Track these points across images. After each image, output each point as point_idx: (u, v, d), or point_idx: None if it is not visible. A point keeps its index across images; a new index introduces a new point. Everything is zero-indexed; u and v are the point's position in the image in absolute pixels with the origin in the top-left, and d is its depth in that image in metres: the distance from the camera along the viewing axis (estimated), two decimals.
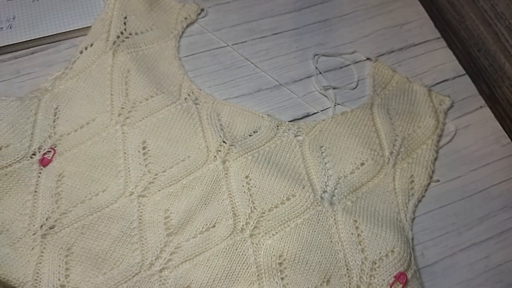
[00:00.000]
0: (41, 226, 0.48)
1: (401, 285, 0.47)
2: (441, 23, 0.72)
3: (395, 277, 0.47)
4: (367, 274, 0.48)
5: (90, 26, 0.60)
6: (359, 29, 0.66)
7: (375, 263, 0.48)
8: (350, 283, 0.47)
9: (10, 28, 0.60)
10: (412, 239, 0.51)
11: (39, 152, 0.51)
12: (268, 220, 0.50)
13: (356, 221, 0.50)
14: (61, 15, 0.62)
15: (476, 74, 0.68)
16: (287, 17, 0.67)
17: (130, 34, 0.60)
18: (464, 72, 0.64)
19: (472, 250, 0.52)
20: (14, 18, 0.61)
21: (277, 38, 0.65)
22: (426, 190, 0.55)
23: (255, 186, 0.51)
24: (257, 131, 0.56)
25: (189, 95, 0.57)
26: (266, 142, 0.55)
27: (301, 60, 0.63)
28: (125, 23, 0.60)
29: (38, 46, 0.60)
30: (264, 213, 0.50)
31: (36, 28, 0.60)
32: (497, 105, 0.66)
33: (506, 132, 0.60)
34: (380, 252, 0.48)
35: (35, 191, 0.50)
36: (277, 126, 0.56)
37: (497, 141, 0.59)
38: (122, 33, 0.60)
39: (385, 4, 0.69)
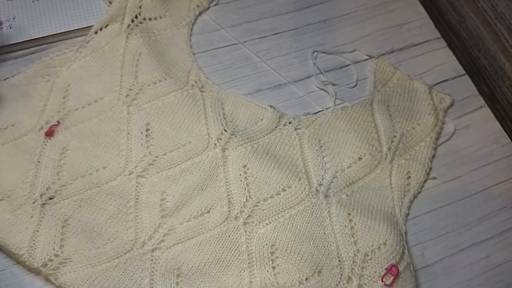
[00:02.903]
0: (41, 195, 0.49)
1: (392, 277, 0.47)
2: (441, 23, 0.72)
3: (386, 269, 0.47)
4: (359, 266, 0.48)
5: (90, 26, 0.60)
6: (359, 29, 0.66)
7: (367, 255, 0.48)
8: (341, 275, 0.48)
9: (10, 28, 0.60)
10: (406, 234, 0.52)
11: (46, 125, 0.53)
12: (263, 210, 0.50)
13: (350, 214, 0.51)
14: (61, 15, 0.62)
15: (476, 74, 0.68)
16: (287, 17, 0.67)
17: (144, 19, 0.62)
18: (464, 72, 0.64)
19: (472, 250, 0.52)
20: (14, 18, 0.61)
21: (277, 38, 0.65)
22: (422, 186, 0.55)
23: (252, 176, 0.52)
24: (258, 122, 0.56)
25: (196, 82, 0.58)
26: (267, 134, 0.55)
27: (301, 60, 0.63)
28: (140, 7, 0.62)
29: (38, 46, 0.60)
30: (259, 202, 0.51)
31: (36, 28, 0.60)
32: (497, 105, 0.66)
33: (506, 132, 0.60)
34: (372, 245, 0.49)
35: (38, 161, 0.51)
36: (279, 119, 0.57)
37: (497, 141, 0.59)
38: (136, 17, 0.61)
39: (385, 4, 0.69)
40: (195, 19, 0.65)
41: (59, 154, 0.51)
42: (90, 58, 0.58)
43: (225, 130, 0.54)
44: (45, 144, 0.52)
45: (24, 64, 0.58)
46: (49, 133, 0.52)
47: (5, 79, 0.56)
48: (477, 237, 0.53)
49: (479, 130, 0.60)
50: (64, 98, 0.55)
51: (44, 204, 0.48)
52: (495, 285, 0.50)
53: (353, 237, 0.49)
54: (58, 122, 0.53)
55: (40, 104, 0.54)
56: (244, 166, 0.52)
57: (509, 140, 0.59)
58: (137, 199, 0.50)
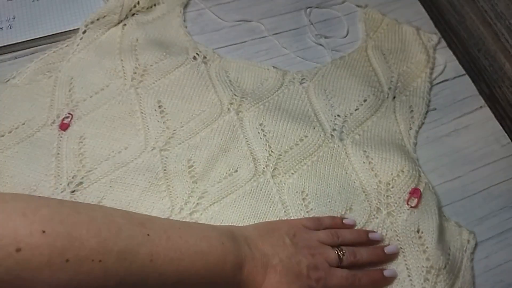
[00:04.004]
0: (68, 184, 0.50)
1: (416, 199, 0.51)
2: (441, 23, 0.72)
3: (410, 193, 0.51)
4: (384, 195, 0.52)
5: None
6: (359, 28, 0.66)
7: (389, 184, 0.52)
8: (370, 207, 0.51)
9: (10, 28, 0.60)
10: (418, 160, 0.55)
11: (58, 118, 0.54)
12: (286, 161, 0.53)
13: (365, 151, 0.54)
14: (61, 15, 0.62)
15: (476, 74, 0.68)
16: (287, 17, 0.67)
17: (142, 8, 0.63)
18: (464, 72, 0.64)
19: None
20: (14, 18, 0.61)
21: (277, 38, 0.65)
22: (425, 117, 0.59)
23: (269, 132, 0.55)
24: (264, 83, 0.59)
25: (197, 54, 0.60)
26: (275, 92, 0.58)
27: (301, 60, 0.63)
28: (138, 3, 0.63)
29: (38, 46, 0.60)
30: (281, 155, 0.53)
31: (36, 28, 0.60)
32: (497, 105, 0.66)
33: (506, 132, 0.60)
34: (391, 174, 0.52)
35: (58, 153, 0.52)
36: (283, 76, 0.59)
37: (497, 141, 0.59)
38: (135, 6, 0.62)
39: (385, 4, 0.69)
40: (188, 1, 0.66)
41: (78, 143, 0.53)
42: (88, 49, 0.59)
43: (235, 95, 0.56)
44: (61, 137, 0.53)
45: (24, 64, 0.58)
46: (64, 127, 0.53)
47: (6, 81, 0.56)
48: (477, 237, 0.53)
49: (479, 130, 0.60)
50: (69, 91, 0.56)
51: (73, 191, 0.50)
52: (495, 285, 0.50)
53: (373, 170, 0.53)
54: (70, 114, 0.54)
55: (46, 100, 0.55)
56: (261, 124, 0.55)
57: (509, 140, 0.59)
58: (165, 170, 0.51)
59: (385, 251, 0.48)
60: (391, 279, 0.47)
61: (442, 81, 0.63)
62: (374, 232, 0.50)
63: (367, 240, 0.49)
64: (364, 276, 0.46)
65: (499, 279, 0.51)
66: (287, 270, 0.42)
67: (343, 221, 0.50)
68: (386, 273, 0.47)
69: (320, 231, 0.47)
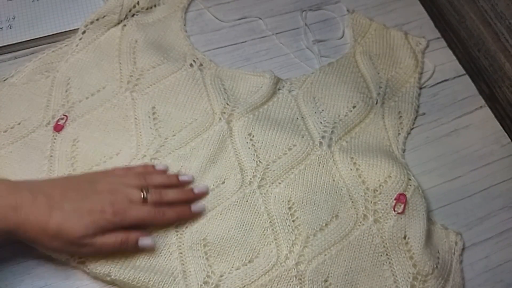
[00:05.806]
0: None
1: (402, 205, 0.50)
2: (441, 23, 0.72)
3: (395, 199, 0.51)
4: (371, 202, 0.51)
5: None
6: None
7: (376, 191, 0.52)
8: (357, 214, 0.51)
9: (10, 28, 0.60)
10: (407, 166, 0.55)
11: (53, 119, 0.54)
12: (273, 171, 0.53)
13: (353, 157, 0.54)
14: (61, 15, 0.62)
15: (476, 74, 0.68)
16: (287, 17, 0.67)
17: (140, 9, 0.63)
18: (464, 72, 0.64)
19: (472, 250, 0.52)
20: (14, 18, 0.61)
21: (277, 38, 0.65)
22: (413, 123, 0.59)
23: (258, 142, 0.54)
24: (259, 91, 0.58)
25: (194, 61, 0.60)
26: (266, 101, 0.57)
27: (301, 60, 0.63)
28: (138, 3, 0.62)
29: (38, 46, 0.60)
30: (269, 165, 0.53)
31: (36, 28, 0.60)
32: (497, 105, 0.66)
33: (506, 132, 0.60)
34: (379, 180, 0.52)
35: (51, 156, 0.52)
36: (275, 84, 0.58)
37: (497, 141, 0.59)
38: (134, 6, 0.62)
39: (385, 4, 0.69)
40: (189, 4, 0.66)
41: (70, 146, 0.52)
42: (87, 50, 0.59)
43: (227, 104, 0.56)
44: (55, 138, 0.53)
45: (24, 64, 0.58)
46: (59, 129, 0.53)
47: (4, 80, 0.56)
48: (477, 237, 0.53)
49: (479, 130, 0.60)
50: (66, 91, 0.56)
51: None
52: (495, 285, 0.50)
53: (360, 177, 0.53)
54: (65, 116, 0.54)
55: (43, 100, 0.55)
56: (250, 134, 0.54)
57: (509, 140, 0.59)
58: None
59: (195, 190, 0.50)
60: (198, 213, 0.49)
61: (442, 81, 0.63)
62: (185, 174, 0.51)
63: (177, 182, 0.50)
64: (169, 211, 0.48)
65: (499, 279, 0.51)
66: (76, 208, 0.43)
67: (155, 167, 0.51)
68: (193, 207, 0.49)
69: (127, 175, 0.48)
